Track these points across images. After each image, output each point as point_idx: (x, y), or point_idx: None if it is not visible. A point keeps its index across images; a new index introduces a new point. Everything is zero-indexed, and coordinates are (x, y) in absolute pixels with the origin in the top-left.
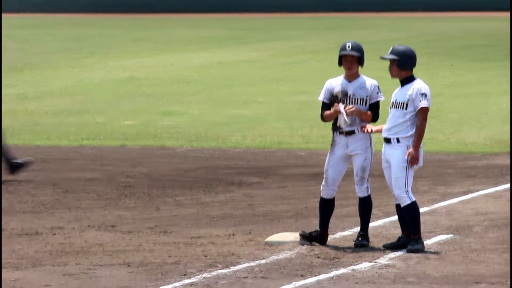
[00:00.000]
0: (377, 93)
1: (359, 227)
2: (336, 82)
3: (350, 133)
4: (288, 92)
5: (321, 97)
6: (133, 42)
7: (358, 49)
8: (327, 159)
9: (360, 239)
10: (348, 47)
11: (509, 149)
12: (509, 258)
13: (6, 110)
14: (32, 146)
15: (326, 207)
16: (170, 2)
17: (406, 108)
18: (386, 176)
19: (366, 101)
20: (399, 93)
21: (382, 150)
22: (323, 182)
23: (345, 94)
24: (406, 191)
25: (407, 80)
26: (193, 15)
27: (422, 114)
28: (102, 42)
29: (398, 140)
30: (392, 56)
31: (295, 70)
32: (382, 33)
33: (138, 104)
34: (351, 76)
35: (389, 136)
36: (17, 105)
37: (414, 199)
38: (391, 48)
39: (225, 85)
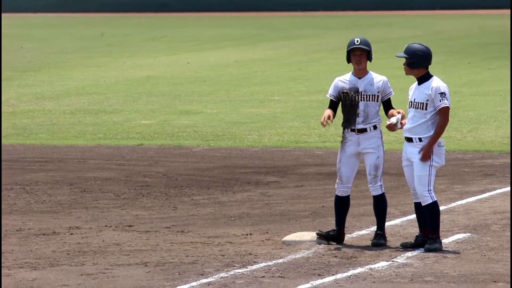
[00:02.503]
0: (390, 89)
1: (375, 226)
2: (345, 79)
3: (362, 131)
4: (305, 91)
5: (329, 93)
6: (150, 41)
7: (366, 44)
8: (338, 157)
9: (377, 238)
10: (357, 41)
11: None
12: None
13: (24, 110)
14: (50, 145)
15: (342, 204)
16: (186, 1)
17: (426, 109)
18: (406, 175)
19: (377, 97)
20: (416, 92)
21: (403, 149)
22: (337, 180)
23: (356, 91)
24: (429, 190)
25: (423, 78)
26: (209, 14)
27: (443, 114)
28: (119, 41)
29: (420, 139)
30: (401, 54)
31: (312, 68)
32: (398, 31)
33: (155, 104)
34: (360, 72)
35: (410, 136)
36: (35, 105)
37: (435, 199)
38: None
39: (241, 84)
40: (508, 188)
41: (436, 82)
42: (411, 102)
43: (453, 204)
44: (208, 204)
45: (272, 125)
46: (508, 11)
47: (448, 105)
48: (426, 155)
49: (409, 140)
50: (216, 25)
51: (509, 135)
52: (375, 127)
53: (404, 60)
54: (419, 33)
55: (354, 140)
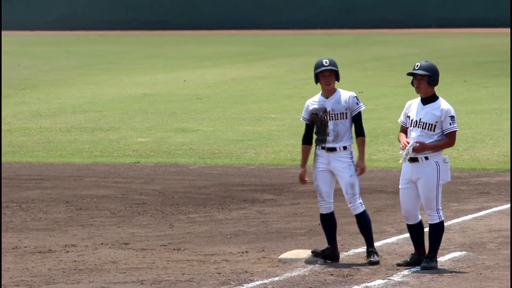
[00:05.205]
0: (357, 104)
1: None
2: (314, 100)
3: (332, 149)
4: (301, 109)
5: (303, 117)
6: (147, 59)
7: (334, 64)
8: (313, 174)
9: (370, 255)
10: (326, 63)
11: None
12: None
13: (20, 127)
14: (46, 163)
15: (328, 222)
16: (183, 19)
17: (434, 130)
18: (402, 197)
19: (346, 114)
20: (422, 112)
21: (403, 169)
22: (318, 198)
23: (324, 111)
24: (437, 210)
25: (430, 98)
26: (207, 31)
27: (451, 137)
28: (116, 58)
29: (426, 158)
30: (424, 72)
31: (308, 86)
32: (396, 49)
33: (152, 121)
34: (328, 92)
35: (415, 156)
36: (31, 123)
37: (443, 218)
38: (418, 64)
39: (238, 101)
40: (504, 206)
41: (445, 104)
42: (417, 121)
43: (449, 222)
44: (204, 222)
45: (268, 143)
46: (508, 29)
47: (457, 129)
48: (419, 147)
49: (414, 160)
50: (213, 42)
51: (506, 153)
52: (345, 148)
53: (410, 78)
54: (416, 51)
55: (325, 157)
